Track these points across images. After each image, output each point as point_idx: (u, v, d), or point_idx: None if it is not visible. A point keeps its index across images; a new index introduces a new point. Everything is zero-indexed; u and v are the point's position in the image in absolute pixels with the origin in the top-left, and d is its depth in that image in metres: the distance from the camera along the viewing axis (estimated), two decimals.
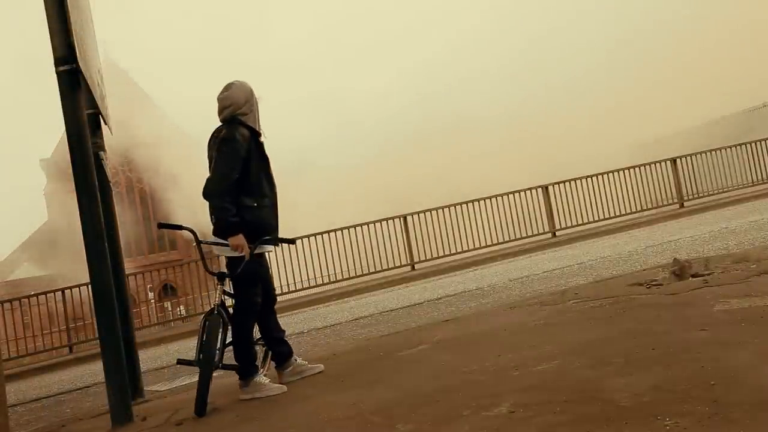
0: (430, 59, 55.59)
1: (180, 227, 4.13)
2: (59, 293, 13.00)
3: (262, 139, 4.20)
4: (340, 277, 13.55)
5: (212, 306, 3.98)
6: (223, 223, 3.98)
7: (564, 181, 14.83)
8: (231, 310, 4.13)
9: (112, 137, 5.54)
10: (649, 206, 16.33)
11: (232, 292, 4.15)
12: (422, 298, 8.82)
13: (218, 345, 3.85)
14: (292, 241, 4.32)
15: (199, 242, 4.11)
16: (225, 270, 4.14)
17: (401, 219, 14.13)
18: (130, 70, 40.28)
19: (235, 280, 4.11)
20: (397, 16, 60.74)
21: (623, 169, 15.38)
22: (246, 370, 4.07)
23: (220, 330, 3.88)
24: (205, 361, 3.82)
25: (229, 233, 3.98)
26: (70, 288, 13.07)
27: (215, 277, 4.10)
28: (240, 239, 3.97)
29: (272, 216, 4.17)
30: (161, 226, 4.17)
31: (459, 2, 53.47)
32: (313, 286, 13.46)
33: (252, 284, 4.13)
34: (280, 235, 4.30)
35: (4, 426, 3.76)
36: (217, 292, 4.02)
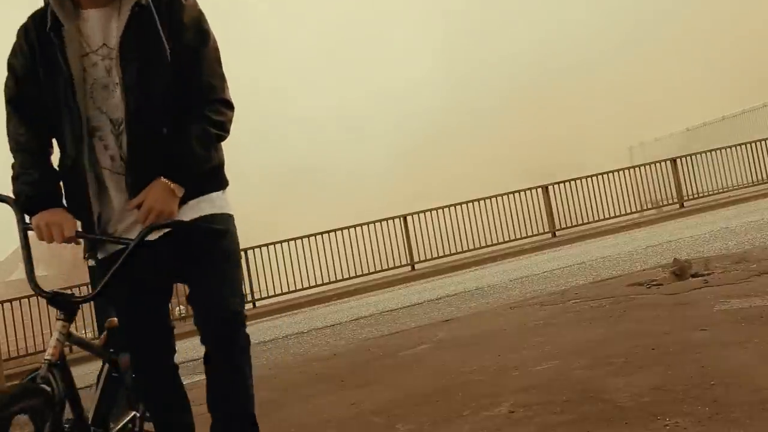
0: (428, 59, 55.59)
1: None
2: None
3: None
4: (340, 277, 13.56)
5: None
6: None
7: (564, 181, 14.84)
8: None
9: None
10: (649, 206, 16.36)
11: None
12: (422, 298, 8.81)
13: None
14: (120, 240, 2.06)
15: (23, 224, 2.03)
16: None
17: (401, 219, 14.13)
18: None
19: None
20: (398, 20, 60.74)
21: (623, 169, 15.40)
22: None
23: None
24: None
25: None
26: (70, 288, 13.09)
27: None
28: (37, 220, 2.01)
29: (77, 190, 2.06)
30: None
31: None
32: (313, 286, 13.46)
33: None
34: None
35: None
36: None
